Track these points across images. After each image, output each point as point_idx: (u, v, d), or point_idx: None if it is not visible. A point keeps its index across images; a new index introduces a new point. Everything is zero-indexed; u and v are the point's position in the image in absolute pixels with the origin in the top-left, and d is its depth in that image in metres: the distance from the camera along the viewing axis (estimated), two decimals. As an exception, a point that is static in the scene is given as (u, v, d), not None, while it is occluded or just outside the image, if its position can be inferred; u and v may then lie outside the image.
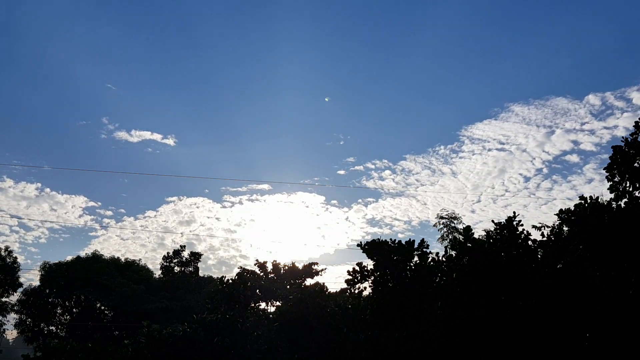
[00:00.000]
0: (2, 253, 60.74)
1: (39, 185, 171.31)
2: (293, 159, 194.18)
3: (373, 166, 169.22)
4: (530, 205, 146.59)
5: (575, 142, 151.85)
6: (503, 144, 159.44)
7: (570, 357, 22.28)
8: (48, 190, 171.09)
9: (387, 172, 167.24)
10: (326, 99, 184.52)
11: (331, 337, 28.42)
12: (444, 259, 27.58)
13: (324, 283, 33.69)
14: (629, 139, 23.95)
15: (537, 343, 22.86)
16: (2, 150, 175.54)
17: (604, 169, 24.80)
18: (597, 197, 24.95)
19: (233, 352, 31.06)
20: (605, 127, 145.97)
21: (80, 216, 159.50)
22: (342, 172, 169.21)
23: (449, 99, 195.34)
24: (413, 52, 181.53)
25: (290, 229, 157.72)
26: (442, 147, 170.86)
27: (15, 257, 61.98)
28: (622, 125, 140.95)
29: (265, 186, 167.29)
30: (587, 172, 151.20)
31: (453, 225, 51.20)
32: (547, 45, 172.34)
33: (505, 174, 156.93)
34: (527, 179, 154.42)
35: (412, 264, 28.08)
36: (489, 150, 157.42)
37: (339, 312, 30.28)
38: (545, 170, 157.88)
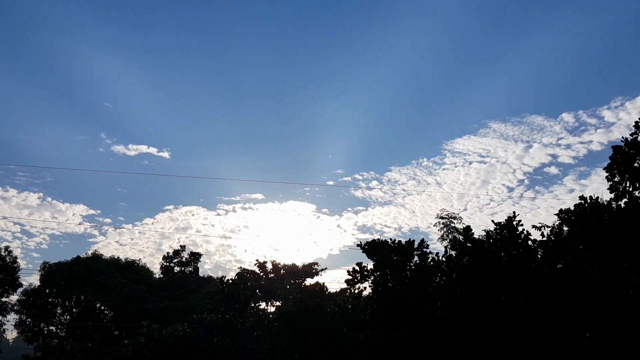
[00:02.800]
0: (2, 253, 60.51)
1: (41, 194, 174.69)
2: (283, 171, 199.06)
3: (361, 177, 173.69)
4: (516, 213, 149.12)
5: (554, 156, 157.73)
6: (484, 156, 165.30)
7: (570, 356, 22.27)
8: (50, 199, 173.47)
9: (374, 182, 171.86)
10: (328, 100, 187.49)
11: (331, 337, 28.41)
12: (444, 259, 27.59)
13: (323, 283, 33.43)
14: (629, 139, 23.86)
15: (537, 342, 22.84)
16: (7, 162, 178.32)
17: (604, 169, 24.57)
18: (597, 197, 24.88)
19: (233, 352, 31.03)
20: (581, 142, 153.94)
21: (80, 223, 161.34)
22: (331, 182, 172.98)
23: (429, 116, 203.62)
24: (393, 72, 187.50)
25: (283, 235, 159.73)
26: (425, 159, 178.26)
27: (15, 257, 61.67)
28: (597, 140, 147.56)
29: (259, 195, 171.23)
30: (568, 182, 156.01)
31: (453, 225, 51.09)
32: (521, 65, 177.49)
33: (489, 185, 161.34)
34: (510, 189, 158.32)
35: (412, 264, 28.09)
36: (471, 163, 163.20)
37: (339, 312, 30.26)
38: (527, 182, 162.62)
